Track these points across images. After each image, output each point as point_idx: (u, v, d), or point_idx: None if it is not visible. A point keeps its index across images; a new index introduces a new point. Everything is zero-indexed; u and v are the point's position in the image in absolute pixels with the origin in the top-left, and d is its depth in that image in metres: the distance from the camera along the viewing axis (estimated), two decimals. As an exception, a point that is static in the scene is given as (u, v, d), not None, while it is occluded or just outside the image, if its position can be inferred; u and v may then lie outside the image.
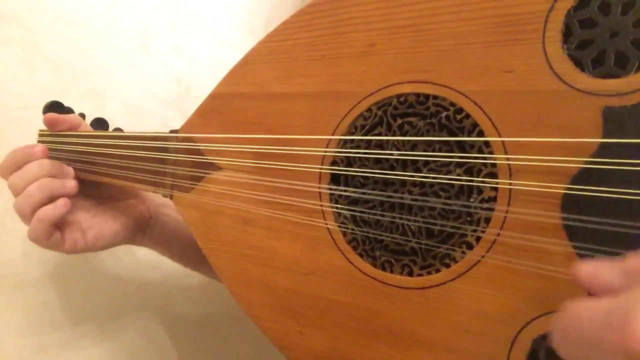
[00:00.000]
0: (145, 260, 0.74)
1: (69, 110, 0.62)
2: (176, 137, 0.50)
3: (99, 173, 0.55)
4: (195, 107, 0.50)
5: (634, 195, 0.28)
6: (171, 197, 0.50)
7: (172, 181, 0.49)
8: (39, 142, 0.60)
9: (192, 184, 0.48)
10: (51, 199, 0.51)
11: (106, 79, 0.76)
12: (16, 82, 0.69)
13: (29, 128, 0.58)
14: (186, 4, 0.83)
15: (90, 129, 0.62)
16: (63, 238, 0.53)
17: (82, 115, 0.62)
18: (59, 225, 0.53)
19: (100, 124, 0.65)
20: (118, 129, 0.64)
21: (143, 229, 0.61)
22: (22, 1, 0.71)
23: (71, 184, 0.53)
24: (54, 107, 0.59)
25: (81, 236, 0.55)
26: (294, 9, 0.44)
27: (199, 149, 0.48)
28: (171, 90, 0.81)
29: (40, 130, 0.61)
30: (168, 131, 0.51)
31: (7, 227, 0.67)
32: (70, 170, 0.55)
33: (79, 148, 0.56)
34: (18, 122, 0.55)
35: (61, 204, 0.51)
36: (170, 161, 0.50)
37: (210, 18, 0.85)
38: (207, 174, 0.47)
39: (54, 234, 0.52)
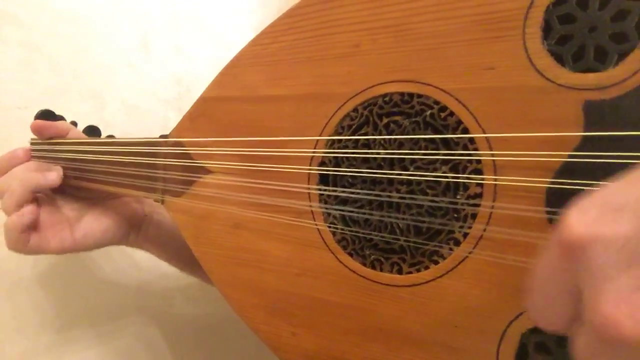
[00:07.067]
0: (144, 261, 0.74)
1: (60, 118, 0.62)
2: (166, 141, 0.50)
3: (90, 180, 0.55)
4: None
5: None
6: (162, 202, 0.50)
7: (163, 186, 0.49)
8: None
9: (183, 189, 0.48)
10: (34, 193, 0.51)
11: (106, 79, 0.76)
12: (16, 82, 0.69)
13: (28, 128, 0.58)
14: (186, 4, 0.84)
15: (82, 135, 0.62)
16: (48, 239, 0.53)
17: (74, 123, 0.63)
18: (43, 227, 0.53)
19: (92, 131, 0.65)
20: (111, 136, 0.64)
21: (137, 227, 0.60)
22: (22, 1, 0.71)
23: (52, 176, 0.53)
24: (44, 115, 0.59)
25: (69, 234, 0.54)
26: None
27: (188, 153, 0.48)
28: (171, 90, 0.81)
29: (32, 139, 0.61)
30: (160, 135, 0.51)
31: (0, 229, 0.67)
32: (56, 168, 0.55)
33: (69, 155, 0.56)
34: (18, 122, 0.55)
35: (27, 211, 0.51)
36: (160, 166, 0.50)
37: (210, 18, 0.85)
38: (198, 177, 0.47)
39: (29, 240, 0.51)
